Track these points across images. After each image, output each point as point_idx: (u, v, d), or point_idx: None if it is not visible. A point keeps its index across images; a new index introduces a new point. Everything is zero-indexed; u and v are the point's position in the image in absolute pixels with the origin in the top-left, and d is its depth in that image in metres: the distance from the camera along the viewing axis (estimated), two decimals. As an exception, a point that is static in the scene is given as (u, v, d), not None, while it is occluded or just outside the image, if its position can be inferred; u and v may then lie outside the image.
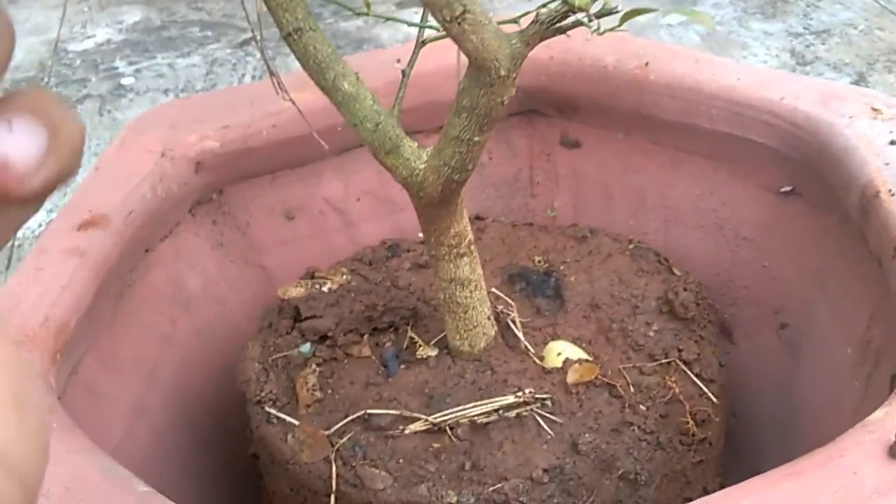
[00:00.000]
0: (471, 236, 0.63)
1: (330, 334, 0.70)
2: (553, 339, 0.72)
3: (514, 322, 0.72)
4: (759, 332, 0.82)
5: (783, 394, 0.81)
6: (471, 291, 0.66)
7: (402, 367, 0.69)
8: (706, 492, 0.68)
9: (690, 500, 0.67)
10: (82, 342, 0.65)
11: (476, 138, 0.54)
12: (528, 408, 0.62)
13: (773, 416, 0.81)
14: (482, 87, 0.51)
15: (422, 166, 0.58)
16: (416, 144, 0.59)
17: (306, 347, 0.68)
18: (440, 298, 0.67)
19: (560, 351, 0.70)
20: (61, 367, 0.60)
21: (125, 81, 1.87)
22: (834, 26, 1.91)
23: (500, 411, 0.62)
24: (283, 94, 0.60)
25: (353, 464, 0.60)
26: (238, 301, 0.85)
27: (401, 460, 0.60)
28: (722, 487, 0.72)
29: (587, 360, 0.68)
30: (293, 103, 0.61)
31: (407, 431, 0.62)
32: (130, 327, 0.72)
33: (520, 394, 0.63)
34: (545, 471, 0.59)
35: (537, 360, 0.69)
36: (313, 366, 0.67)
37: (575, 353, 0.70)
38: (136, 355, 0.72)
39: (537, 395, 0.63)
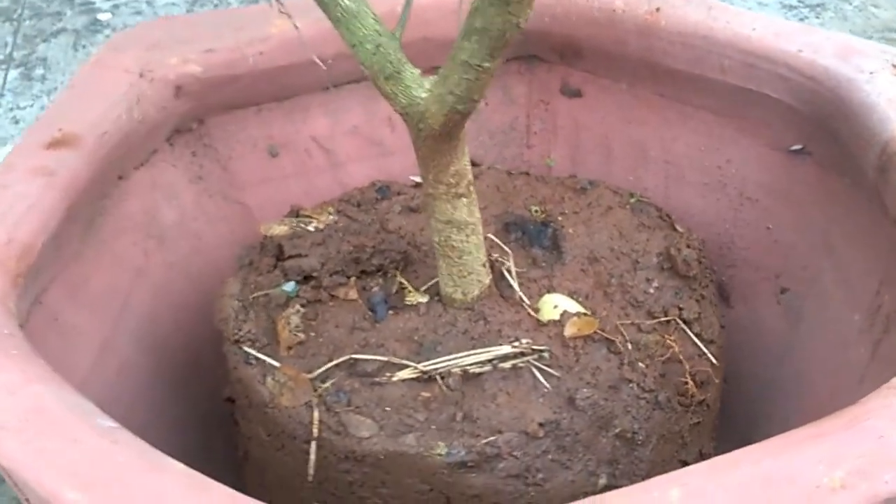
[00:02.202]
0: (471, 177, 0.60)
1: (315, 275, 0.66)
2: (549, 292, 0.69)
3: (509, 271, 0.68)
4: (758, 296, 0.80)
5: (779, 360, 0.78)
6: (467, 235, 0.63)
7: (391, 312, 0.65)
8: (702, 455, 0.65)
9: (686, 462, 0.65)
10: (48, 269, 0.60)
11: (486, 64, 0.50)
12: (525, 359, 0.59)
13: (767, 381, 0.78)
14: (498, 6, 0.47)
15: (424, 95, 0.54)
16: (418, 71, 0.55)
17: (290, 286, 0.64)
18: (434, 242, 0.63)
19: (556, 304, 0.67)
20: (23, 293, 0.55)
21: (101, 17, 1.79)
22: (829, 1, 1.88)
23: (495, 362, 0.59)
24: (278, 4, 0.55)
25: (337, 410, 0.57)
26: (215, 237, 0.80)
27: (387, 408, 0.57)
28: (717, 451, 0.70)
29: (585, 314, 0.65)
30: (289, 17, 0.56)
31: (395, 379, 0.59)
32: (101, 258, 0.68)
33: (516, 344, 0.59)
34: (541, 425, 0.56)
35: (532, 312, 0.66)
36: (296, 306, 0.63)
37: (572, 306, 0.66)
38: (106, 287, 0.68)
39: (535, 347, 0.59)
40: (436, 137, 0.55)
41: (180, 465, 0.42)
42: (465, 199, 0.61)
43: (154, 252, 0.74)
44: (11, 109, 1.50)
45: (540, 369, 0.59)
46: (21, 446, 0.41)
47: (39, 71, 1.61)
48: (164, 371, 0.74)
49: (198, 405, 0.76)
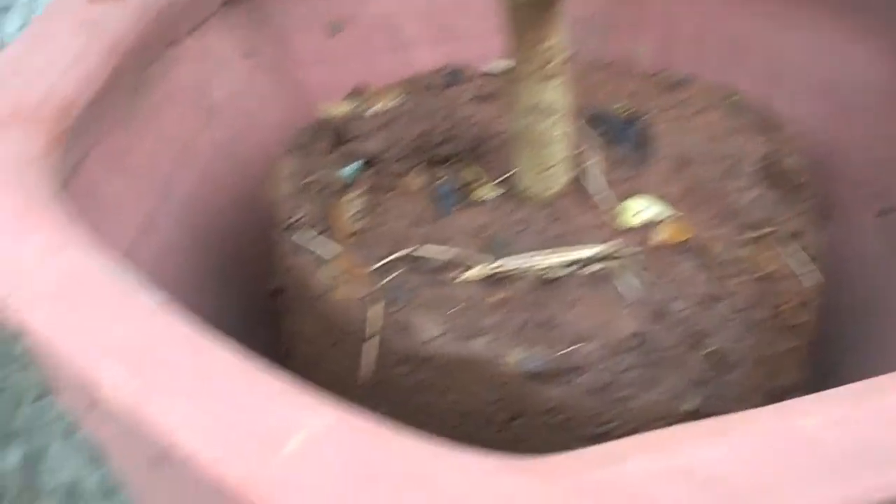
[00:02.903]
0: (566, 54, 0.52)
1: (376, 161, 0.60)
2: (633, 195, 0.62)
3: (592, 169, 0.61)
4: (857, 215, 0.72)
5: (874, 286, 0.71)
6: (554, 123, 0.56)
7: (458, 206, 0.59)
8: (794, 385, 0.59)
9: (777, 391, 0.59)
10: (89, 134, 0.55)
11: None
12: (611, 264, 0.52)
13: (859, 308, 0.72)
14: None
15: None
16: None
17: (349, 170, 0.58)
18: (514, 128, 0.57)
19: (641, 208, 0.60)
20: (63, 157, 0.50)
21: None
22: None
23: (577, 265, 0.53)
24: None
25: (399, 307, 0.51)
26: (266, 119, 0.74)
27: (454, 309, 0.51)
28: (806, 383, 0.63)
29: (675, 221, 0.58)
30: None
31: (463, 278, 0.53)
32: (146, 129, 0.62)
33: (602, 247, 0.53)
34: (627, 337, 0.50)
35: (614, 216, 0.59)
36: (356, 193, 0.57)
37: (659, 212, 0.60)
38: (149, 162, 0.62)
39: (623, 251, 0.53)
40: (532, 4, 0.48)
41: (234, 349, 0.37)
42: (556, 81, 0.54)
43: (202, 129, 0.68)
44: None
45: (627, 276, 0.53)
46: (56, 316, 0.36)
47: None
48: (205, 258, 0.69)
49: (239, 299, 0.72)
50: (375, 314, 0.51)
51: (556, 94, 0.55)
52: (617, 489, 0.33)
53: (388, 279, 0.52)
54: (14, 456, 0.88)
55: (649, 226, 0.58)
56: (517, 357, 0.48)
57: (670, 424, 0.52)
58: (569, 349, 0.48)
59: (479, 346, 0.49)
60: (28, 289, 0.37)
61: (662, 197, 0.62)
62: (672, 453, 0.34)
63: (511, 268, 0.53)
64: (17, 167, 0.45)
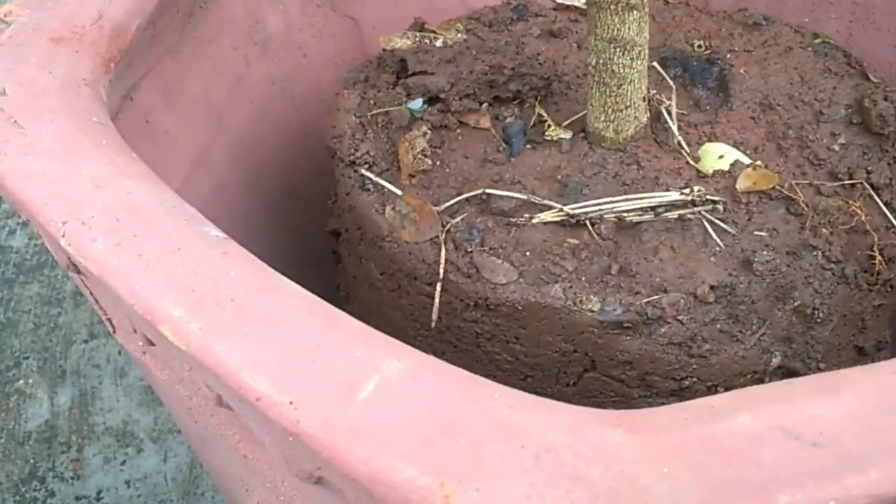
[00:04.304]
0: (649, -17, 0.49)
1: (442, 96, 0.57)
2: (710, 140, 0.59)
3: (668, 112, 0.58)
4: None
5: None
6: (632, 59, 0.52)
7: (528, 146, 0.56)
8: (880, 343, 0.56)
9: (863, 349, 0.55)
10: (141, 61, 0.52)
11: None
12: (696, 210, 0.49)
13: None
14: None
15: None
16: None
17: (416, 104, 0.54)
18: (589, 66, 0.53)
19: (722, 153, 0.57)
20: (115, 83, 0.47)
21: None
22: None
23: (659, 210, 0.49)
24: None
25: (469, 249, 0.48)
26: (321, 54, 0.71)
27: (528, 253, 0.48)
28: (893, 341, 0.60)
29: (760, 168, 0.55)
30: None
31: (535, 221, 0.50)
32: (198, 59, 0.59)
33: (686, 191, 0.49)
34: (712, 288, 0.46)
35: (692, 161, 0.56)
36: (422, 129, 0.54)
37: (741, 157, 0.56)
38: (202, 94, 0.59)
39: (709, 197, 0.49)
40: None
41: (300, 289, 0.34)
42: (636, 13, 0.50)
43: (255, 61, 0.65)
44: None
45: (712, 224, 0.49)
46: (113, 249, 0.33)
47: None
48: (259, 197, 0.66)
49: (293, 239, 0.69)
50: (443, 257, 0.48)
51: (635, 28, 0.51)
52: (721, 448, 0.30)
53: (456, 220, 0.49)
54: (64, 396, 0.87)
55: (731, 172, 0.54)
56: (596, 305, 0.45)
57: (753, 382, 0.49)
58: (651, 298, 0.45)
59: (554, 292, 0.46)
60: (84, 219, 0.35)
61: (743, 142, 0.58)
62: (779, 411, 0.31)
63: (587, 211, 0.49)
64: (67, 91, 0.42)
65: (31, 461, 0.83)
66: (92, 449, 0.84)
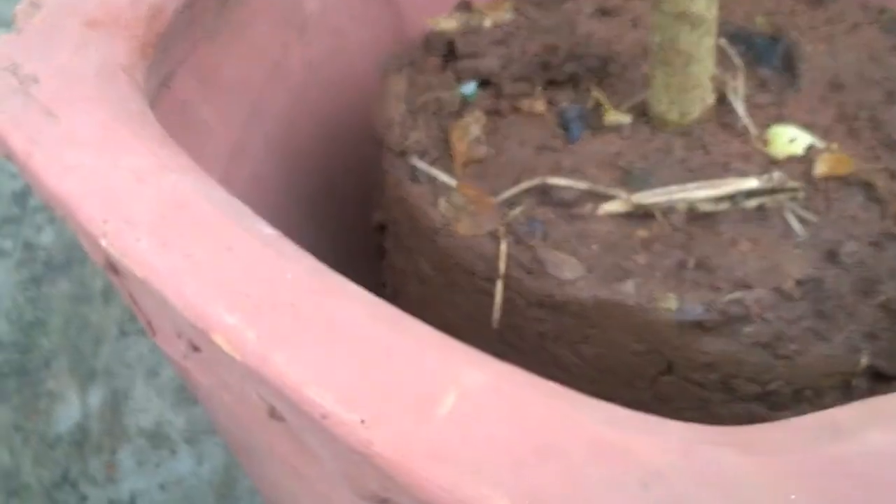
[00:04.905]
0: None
1: (494, 79, 0.53)
2: (777, 122, 0.55)
3: (735, 92, 0.54)
4: None
5: None
6: (700, 37, 0.49)
7: (587, 132, 0.52)
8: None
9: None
10: (178, 46, 0.49)
11: None
12: (777, 197, 0.45)
13: None
14: None
15: None
16: None
17: (470, 88, 0.51)
18: (653, 44, 0.49)
19: (793, 137, 0.53)
20: (152, 69, 0.44)
21: None
22: None
23: (733, 199, 0.46)
24: None
25: (531, 243, 0.45)
26: (359, 37, 0.68)
27: (594, 247, 0.45)
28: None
29: (835, 152, 0.51)
30: None
31: (600, 212, 0.46)
32: (235, 43, 0.56)
33: (766, 177, 0.46)
34: (798, 282, 0.43)
35: (761, 145, 0.52)
36: (476, 114, 0.51)
37: (813, 141, 0.52)
38: (239, 80, 0.56)
39: (790, 184, 0.46)
40: None
41: (363, 291, 0.31)
42: (709, -14, 0.46)
43: (293, 46, 0.62)
44: None
45: (793, 212, 0.46)
46: (159, 250, 0.30)
47: None
48: (297, 188, 0.63)
49: (335, 234, 0.66)
50: (503, 252, 0.45)
51: (705, 3, 0.48)
52: (851, 472, 0.26)
53: (516, 212, 0.46)
54: (96, 397, 0.85)
55: (806, 156, 0.51)
56: (673, 303, 0.42)
57: (840, 384, 0.46)
58: (734, 295, 0.42)
59: (627, 289, 0.42)
60: (127, 217, 0.32)
61: (812, 125, 0.55)
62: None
63: (657, 201, 0.46)
64: (103, 77, 0.39)
65: (63, 465, 0.81)
66: (124, 451, 0.81)
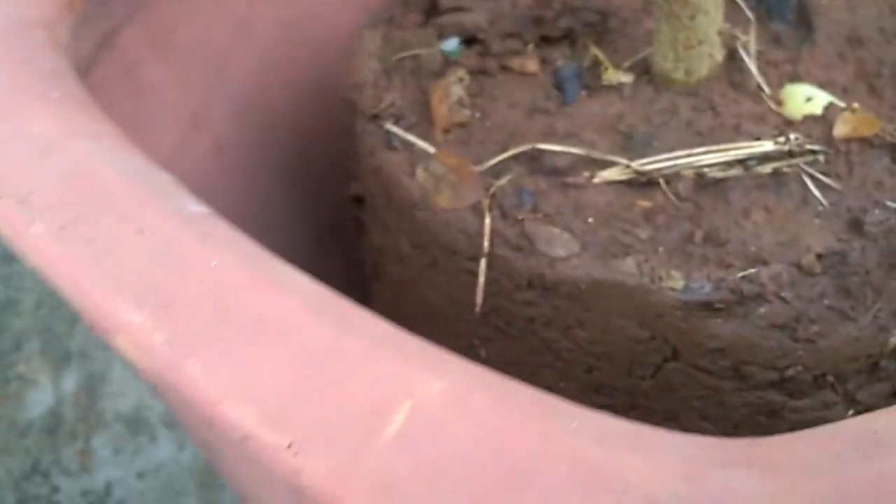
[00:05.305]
0: None
1: (481, 36, 0.48)
2: (793, 81, 0.50)
3: (746, 48, 0.49)
4: None
5: None
6: (707, -15, 0.44)
7: (583, 93, 0.47)
8: None
9: None
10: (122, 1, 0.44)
11: None
12: (794, 162, 0.41)
13: None
14: None
15: None
16: None
17: (451, 45, 0.46)
18: (656, -7, 0.44)
19: (810, 96, 0.48)
20: (83, 24, 0.39)
21: None
22: None
23: (746, 164, 0.41)
24: None
25: (519, 217, 0.40)
26: (337, -2, 0.63)
27: (591, 219, 0.40)
28: None
29: (856, 111, 0.46)
30: None
31: (597, 180, 0.42)
32: (197, 1, 0.51)
33: (782, 140, 0.41)
34: (819, 256, 0.38)
35: (775, 105, 0.47)
36: (458, 74, 0.46)
37: (832, 100, 0.48)
38: (200, 40, 0.51)
39: (808, 146, 0.41)
40: None
41: (307, 280, 0.26)
42: (717, -74, 0.41)
43: (264, 3, 0.57)
44: None
45: (813, 178, 0.41)
46: (56, 234, 0.25)
47: None
48: (267, 158, 0.58)
49: (309, 207, 0.61)
50: (487, 227, 0.40)
51: (715, -54, 0.43)
52: (889, 494, 0.22)
53: (502, 181, 0.41)
54: (70, 380, 0.80)
55: (824, 117, 0.46)
56: (678, 282, 0.37)
57: (867, 367, 0.41)
58: (747, 272, 0.37)
59: (627, 267, 0.38)
60: (22, 194, 0.27)
61: (830, 82, 0.50)
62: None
63: (661, 167, 0.41)
64: (11, 34, 0.34)
65: (34, 454, 0.77)
66: (100, 438, 0.77)
